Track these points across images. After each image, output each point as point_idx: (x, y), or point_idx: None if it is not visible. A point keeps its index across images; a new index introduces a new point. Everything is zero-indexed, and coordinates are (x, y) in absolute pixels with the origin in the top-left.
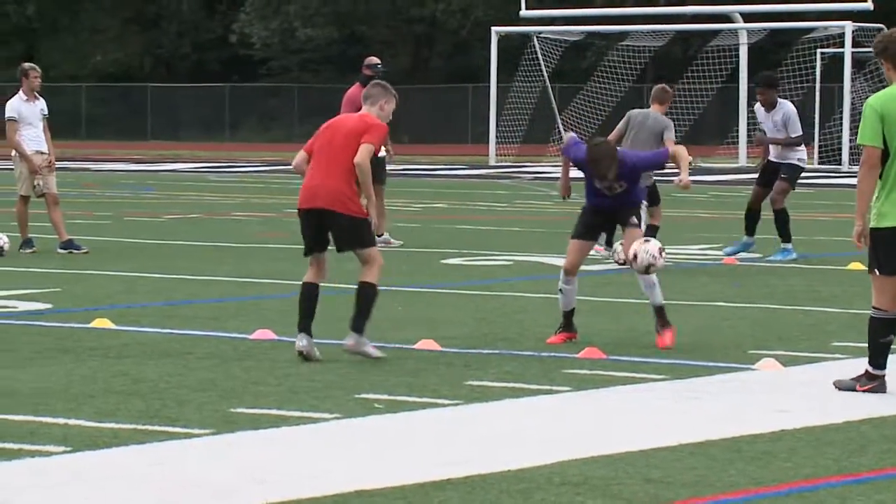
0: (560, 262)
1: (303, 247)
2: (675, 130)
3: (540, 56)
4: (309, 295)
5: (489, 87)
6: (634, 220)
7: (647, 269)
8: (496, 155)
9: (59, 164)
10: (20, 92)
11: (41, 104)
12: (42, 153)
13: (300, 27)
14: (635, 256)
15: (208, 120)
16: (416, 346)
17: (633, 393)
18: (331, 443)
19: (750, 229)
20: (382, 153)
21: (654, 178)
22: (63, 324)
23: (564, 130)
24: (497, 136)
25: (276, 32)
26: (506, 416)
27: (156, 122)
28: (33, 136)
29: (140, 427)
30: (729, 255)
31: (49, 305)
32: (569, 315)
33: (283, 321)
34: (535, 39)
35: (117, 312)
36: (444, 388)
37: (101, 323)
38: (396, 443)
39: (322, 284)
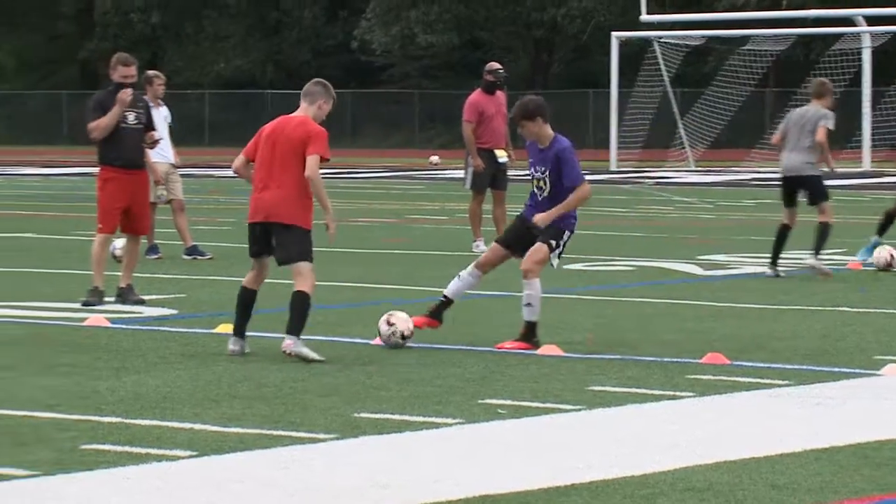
0: (683, 267)
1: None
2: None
3: (661, 61)
4: (247, 299)
5: (610, 92)
6: (553, 241)
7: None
8: (617, 160)
9: (182, 171)
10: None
11: (165, 111)
12: (164, 163)
13: (421, 33)
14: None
15: (329, 126)
16: (539, 352)
17: (756, 398)
18: (454, 448)
19: (882, 230)
20: (504, 159)
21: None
22: (188, 329)
23: (686, 135)
24: (618, 142)
25: (396, 38)
26: (629, 422)
27: None
28: (160, 144)
29: (265, 431)
30: (860, 259)
31: (174, 311)
32: (446, 304)
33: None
34: (656, 44)
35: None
36: (566, 394)
37: (226, 328)
38: (520, 448)
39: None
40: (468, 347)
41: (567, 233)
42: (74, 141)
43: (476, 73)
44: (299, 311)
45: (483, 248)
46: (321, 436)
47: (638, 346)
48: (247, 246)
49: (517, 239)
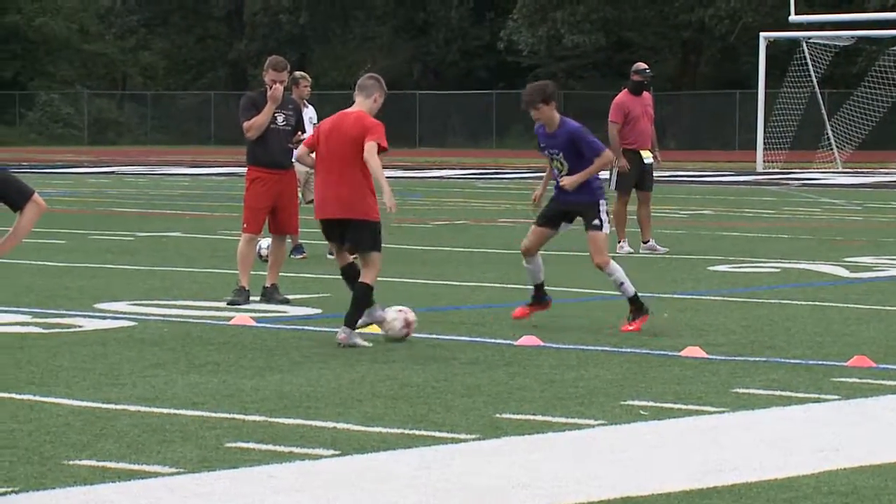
0: (830, 269)
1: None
2: None
3: (809, 61)
4: (351, 275)
5: (757, 92)
6: (596, 222)
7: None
8: (764, 161)
9: None
10: None
11: (311, 112)
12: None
13: (567, 34)
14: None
15: (475, 127)
16: (681, 354)
17: None
18: (596, 449)
19: None
20: (649, 159)
21: None
22: (332, 329)
23: (834, 136)
24: (765, 143)
25: (543, 39)
26: (773, 425)
27: (424, 129)
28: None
29: (407, 431)
30: None
31: (318, 310)
32: (538, 288)
33: (549, 327)
34: (804, 45)
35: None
36: (710, 396)
37: (370, 328)
38: (662, 450)
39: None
40: (611, 349)
41: (602, 202)
42: (222, 141)
43: (622, 74)
44: (362, 303)
45: (628, 248)
46: (463, 436)
47: (783, 349)
48: (394, 245)
49: (553, 218)
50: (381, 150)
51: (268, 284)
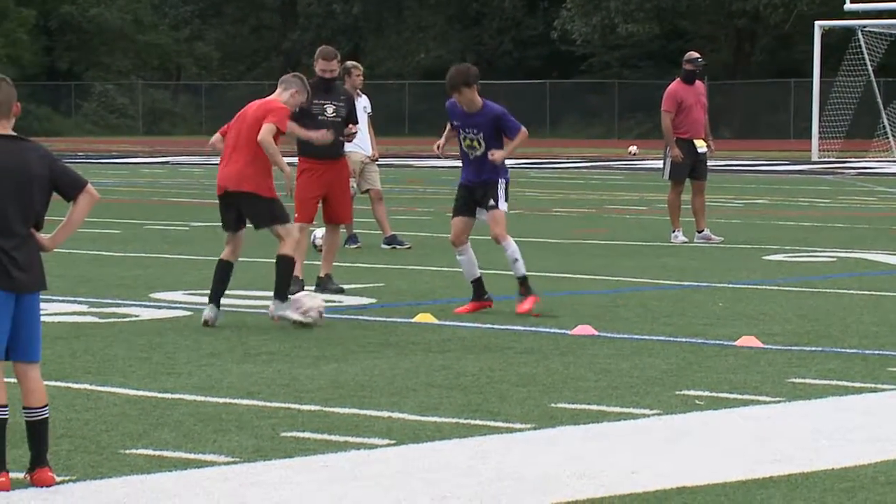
0: (885, 258)
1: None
2: None
3: (864, 50)
4: (224, 271)
5: (812, 81)
6: (492, 202)
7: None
8: (819, 150)
9: (382, 161)
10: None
11: (364, 102)
12: (360, 153)
13: (621, 23)
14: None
15: (529, 116)
16: (737, 343)
17: None
18: (652, 439)
19: None
20: (703, 148)
21: None
22: (387, 318)
23: (890, 125)
24: (820, 132)
25: (596, 28)
26: (829, 414)
27: None
28: (357, 135)
29: (462, 421)
30: None
31: (373, 300)
32: (476, 283)
33: (604, 316)
34: (860, 33)
35: (439, 307)
36: (765, 386)
37: (424, 318)
38: (718, 440)
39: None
40: (666, 338)
41: (502, 181)
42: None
43: (676, 63)
44: (285, 276)
45: (682, 238)
46: (518, 425)
47: (838, 338)
48: (446, 235)
49: (467, 205)
50: (279, 133)
51: (322, 274)
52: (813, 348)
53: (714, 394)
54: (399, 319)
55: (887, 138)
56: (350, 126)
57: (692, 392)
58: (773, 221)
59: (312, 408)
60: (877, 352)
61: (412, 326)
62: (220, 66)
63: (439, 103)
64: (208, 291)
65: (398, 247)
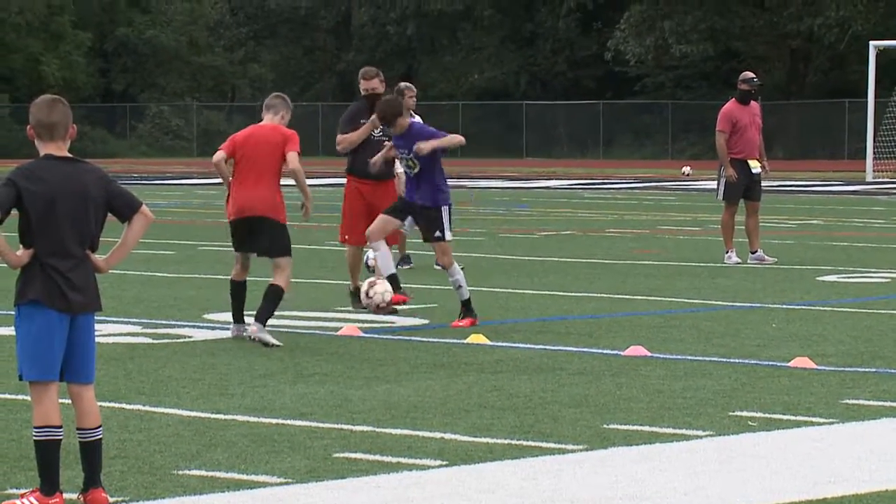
0: None
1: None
2: None
3: None
4: (240, 290)
5: (867, 101)
6: (438, 234)
7: (377, 309)
8: (873, 171)
9: None
10: None
11: (417, 123)
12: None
13: (675, 43)
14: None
15: (582, 137)
16: (790, 364)
17: None
18: (705, 460)
19: None
20: (757, 169)
21: None
22: (439, 339)
23: None
24: (874, 152)
25: (650, 49)
26: (884, 436)
27: (531, 139)
28: None
29: (514, 442)
30: None
31: (426, 321)
32: (393, 278)
33: (657, 337)
34: None
35: (491, 328)
36: (819, 407)
37: (476, 339)
38: (771, 461)
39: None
40: (719, 359)
41: (445, 208)
42: (330, 152)
43: (730, 84)
44: (273, 303)
45: (736, 259)
46: (570, 447)
47: (893, 359)
48: (499, 256)
49: (400, 211)
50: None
51: (353, 288)
52: (867, 369)
53: (767, 415)
54: (452, 340)
55: None
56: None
57: (745, 413)
58: (827, 242)
59: (365, 429)
60: None
61: (465, 347)
62: (274, 87)
63: (493, 123)
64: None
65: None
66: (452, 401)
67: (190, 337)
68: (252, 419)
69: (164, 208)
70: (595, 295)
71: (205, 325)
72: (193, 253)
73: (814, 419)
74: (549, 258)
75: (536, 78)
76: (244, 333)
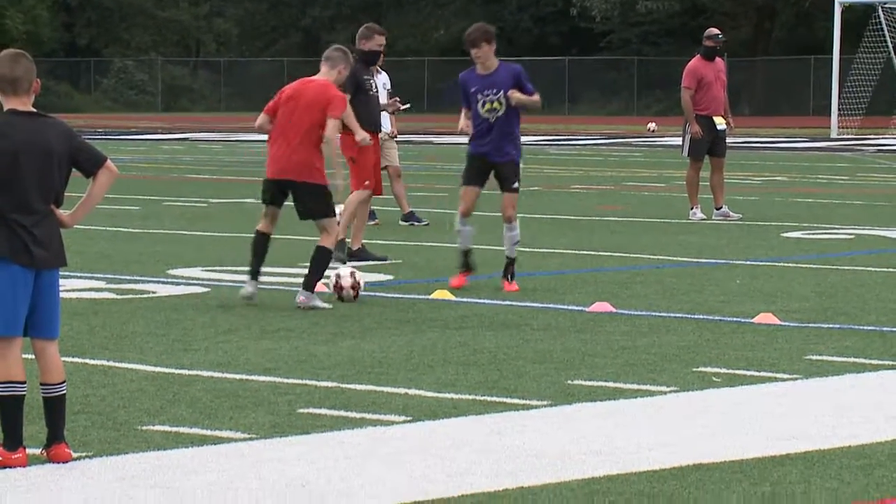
0: None
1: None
2: None
3: (884, 26)
4: (262, 244)
5: (832, 58)
6: (516, 185)
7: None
8: (838, 127)
9: (401, 138)
10: None
11: (384, 78)
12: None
13: (641, 0)
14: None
15: (548, 93)
16: (754, 320)
17: None
18: (668, 416)
19: None
20: (722, 126)
21: None
22: (404, 295)
23: None
24: (839, 109)
25: (616, 5)
26: (846, 392)
27: None
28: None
29: (478, 397)
30: None
31: (390, 277)
32: (466, 254)
33: (622, 294)
34: (880, 10)
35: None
36: (782, 363)
37: (441, 294)
38: (734, 417)
39: None
40: (683, 315)
41: (520, 161)
42: None
43: (696, 40)
44: (319, 267)
45: (700, 215)
46: (535, 402)
47: (856, 316)
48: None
49: (479, 175)
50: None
51: (355, 248)
52: (830, 325)
53: (731, 371)
54: (416, 296)
55: None
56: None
57: (709, 369)
58: (792, 199)
59: (329, 384)
60: (894, 329)
61: (429, 303)
62: (239, 43)
63: (457, 81)
64: (227, 268)
65: (416, 223)
66: (417, 356)
67: (154, 292)
68: (216, 375)
69: (128, 163)
70: (560, 251)
71: (169, 280)
72: (158, 208)
73: (777, 375)
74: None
75: (502, 34)
76: (297, 301)
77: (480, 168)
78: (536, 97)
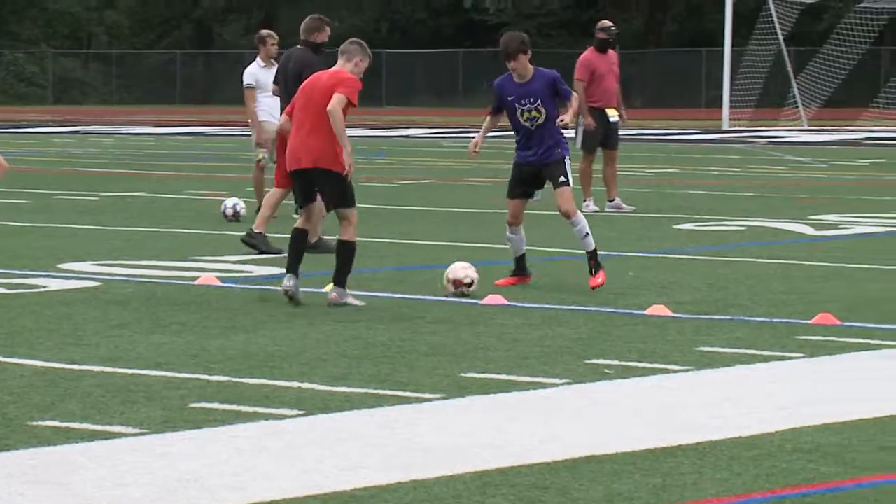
0: (795, 227)
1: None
2: None
3: (775, 19)
4: (297, 239)
5: (723, 50)
6: (563, 179)
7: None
8: (730, 119)
9: None
10: (257, 59)
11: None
12: (275, 122)
13: None
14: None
15: (442, 85)
16: (647, 312)
17: (867, 360)
18: (561, 408)
19: None
20: (615, 118)
21: None
22: None
23: (799, 94)
24: (731, 100)
25: None
26: (737, 383)
27: (390, 88)
28: (270, 104)
29: (371, 391)
30: None
31: (284, 270)
32: (519, 260)
33: (514, 287)
34: (771, 2)
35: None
36: (674, 354)
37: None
38: (627, 409)
39: None
40: (576, 308)
41: (568, 158)
42: (188, 100)
43: (589, 33)
44: (346, 262)
45: (594, 207)
46: (428, 395)
47: (747, 307)
48: (360, 204)
49: (523, 185)
50: (350, 105)
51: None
52: (721, 317)
53: (623, 363)
54: (310, 290)
55: (797, 107)
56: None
57: (602, 361)
58: (684, 191)
59: (221, 378)
60: (785, 320)
61: (323, 296)
62: (132, 35)
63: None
64: (118, 262)
65: None
66: (310, 350)
67: (45, 287)
68: (107, 369)
69: (18, 157)
70: (454, 244)
71: (60, 274)
72: (49, 202)
73: (669, 366)
74: (409, 207)
75: (396, 26)
76: (328, 298)
77: (527, 177)
78: (574, 101)
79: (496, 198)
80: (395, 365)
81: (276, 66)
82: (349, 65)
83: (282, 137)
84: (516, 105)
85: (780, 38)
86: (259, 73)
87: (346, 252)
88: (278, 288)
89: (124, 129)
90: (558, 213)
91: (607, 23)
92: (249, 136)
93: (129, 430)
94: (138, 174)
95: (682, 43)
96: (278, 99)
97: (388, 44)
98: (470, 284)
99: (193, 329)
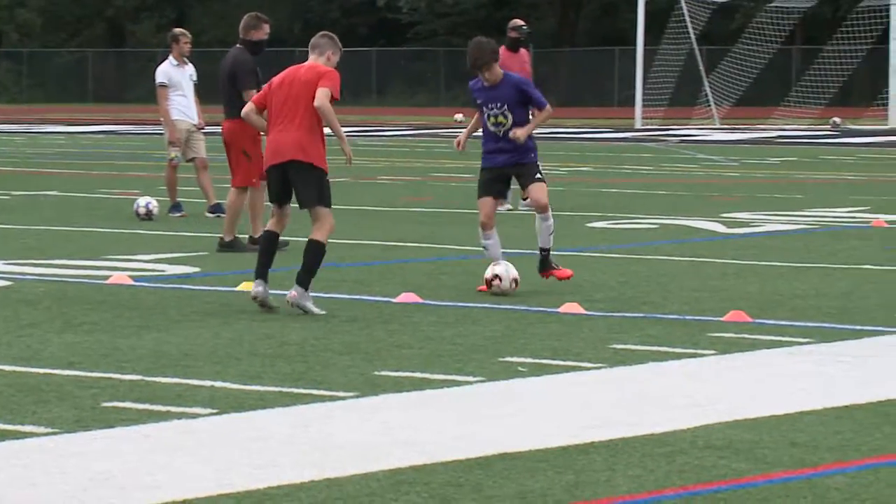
0: (706, 225)
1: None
2: (824, 94)
3: (687, 18)
4: (269, 242)
5: (636, 49)
6: (539, 175)
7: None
8: (642, 118)
9: (206, 129)
10: (170, 57)
11: (190, 69)
12: (186, 121)
13: None
14: (498, 278)
15: (355, 84)
16: (560, 310)
17: (778, 357)
18: (475, 405)
19: None
20: None
21: None
22: (210, 287)
23: (711, 93)
24: (643, 100)
25: None
26: (649, 380)
27: None
28: (183, 103)
29: (285, 389)
30: None
31: (197, 269)
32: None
33: (428, 284)
34: (683, 1)
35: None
36: (587, 352)
37: (248, 286)
38: (540, 406)
39: None
40: (490, 306)
41: (538, 162)
42: (100, 99)
43: (502, 31)
44: (313, 262)
45: (507, 205)
46: (341, 394)
47: (660, 304)
48: (267, 203)
49: (494, 186)
50: (332, 99)
51: (229, 238)
52: (634, 314)
53: (537, 360)
54: (223, 288)
55: (709, 106)
56: None
57: (515, 359)
58: (597, 189)
59: (134, 377)
60: (697, 317)
61: (236, 295)
62: (43, 33)
63: (266, 72)
64: (29, 261)
65: (222, 215)
66: (223, 349)
67: None
68: (18, 369)
69: None
70: (367, 242)
71: None
72: None
73: (582, 364)
74: None
75: (310, 24)
76: (287, 297)
77: (496, 178)
78: (545, 111)
79: (408, 196)
80: (308, 363)
81: (189, 64)
82: (322, 59)
83: (251, 138)
84: (485, 109)
85: (693, 37)
86: (172, 72)
87: (315, 252)
88: (189, 287)
89: (36, 128)
90: (532, 206)
91: (519, 22)
92: (162, 134)
93: (41, 429)
94: (50, 173)
95: (596, 42)
96: (191, 96)
97: (302, 43)
98: (493, 279)
99: (105, 328)
